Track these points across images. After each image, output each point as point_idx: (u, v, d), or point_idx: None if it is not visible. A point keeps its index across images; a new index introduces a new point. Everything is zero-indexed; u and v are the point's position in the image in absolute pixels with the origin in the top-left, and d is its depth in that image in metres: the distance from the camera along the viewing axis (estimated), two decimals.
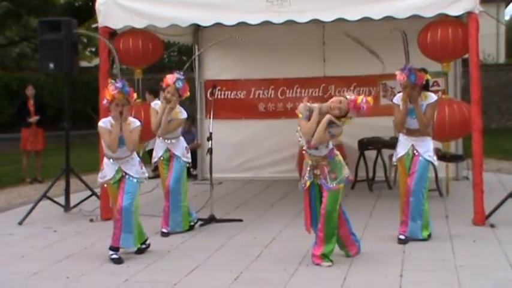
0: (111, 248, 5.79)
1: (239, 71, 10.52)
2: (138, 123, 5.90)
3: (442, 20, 7.13)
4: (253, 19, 7.15)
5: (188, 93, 6.75)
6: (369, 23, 7.55)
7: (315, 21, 7.18)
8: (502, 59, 28.84)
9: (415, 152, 6.15)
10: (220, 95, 10.41)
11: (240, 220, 7.30)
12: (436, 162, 6.32)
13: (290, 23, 7.24)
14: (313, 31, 9.46)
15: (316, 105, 5.36)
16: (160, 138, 6.84)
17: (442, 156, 7.84)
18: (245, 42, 7.32)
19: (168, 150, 6.80)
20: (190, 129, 10.69)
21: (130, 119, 5.88)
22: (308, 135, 5.36)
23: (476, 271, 5.20)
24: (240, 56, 10.42)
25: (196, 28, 9.94)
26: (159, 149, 6.87)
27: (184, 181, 6.86)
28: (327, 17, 7.03)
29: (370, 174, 9.34)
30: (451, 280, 4.97)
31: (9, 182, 11.46)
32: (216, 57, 10.67)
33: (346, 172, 5.49)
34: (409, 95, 6.10)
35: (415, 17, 6.87)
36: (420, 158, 6.11)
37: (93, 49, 22.04)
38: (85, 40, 20.95)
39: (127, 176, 5.82)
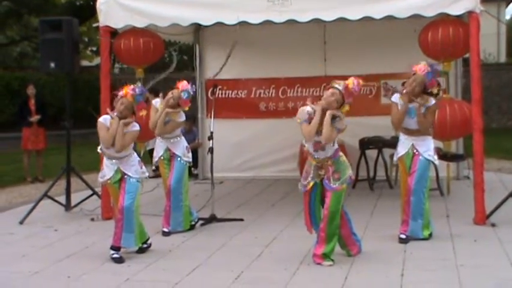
0: (112, 248, 5.79)
1: (240, 70, 10.52)
2: (137, 127, 5.88)
3: (443, 19, 7.13)
4: (255, 18, 7.15)
5: (187, 108, 6.77)
6: (369, 22, 7.54)
7: (316, 21, 7.17)
8: (502, 59, 28.83)
9: (415, 151, 6.15)
10: (221, 94, 10.41)
11: (241, 219, 7.30)
12: (436, 162, 6.32)
13: (291, 22, 7.24)
14: (314, 30, 9.46)
15: (318, 107, 5.35)
16: (160, 137, 6.84)
17: (443, 155, 7.84)
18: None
19: (168, 149, 6.80)
20: (191, 129, 10.69)
21: (130, 120, 5.87)
22: (310, 138, 5.35)
23: (477, 270, 5.20)
24: (241, 56, 10.39)
25: (197, 27, 9.94)
26: (159, 148, 6.87)
27: (186, 181, 6.86)
28: (328, 16, 7.03)
29: (371, 174, 9.34)
30: (452, 279, 4.97)
31: (10, 181, 11.46)
32: (217, 56, 10.65)
33: (349, 172, 5.49)
34: (413, 89, 6.05)
35: (416, 17, 6.86)
36: (420, 157, 6.11)
37: (94, 48, 22.06)
38: (86, 39, 20.98)
39: (127, 177, 5.83)
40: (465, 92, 9.28)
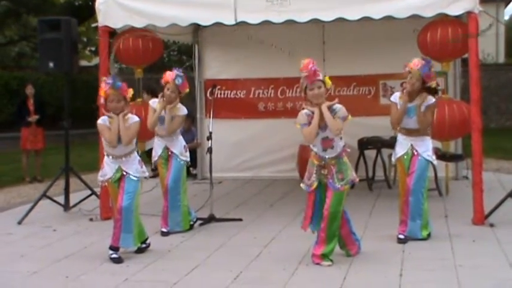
0: (111, 248, 5.79)
1: (239, 70, 10.52)
2: (136, 118, 5.89)
3: (442, 19, 7.14)
4: (253, 19, 7.15)
5: (187, 90, 6.75)
6: (368, 22, 7.54)
7: (315, 21, 7.17)
8: (501, 59, 28.87)
9: (414, 151, 6.15)
10: (220, 94, 10.41)
11: (240, 219, 7.30)
12: (435, 162, 6.32)
13: (290, 22, 7.24)
14: (313, 31, 9.46)
15: (315, 108, 5.33)
16: (158, 136, 6.83)
17: (441, 155, 7.84)
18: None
19: (166, 148, 6.79)
20: (190, 129, 10.69)
21: (129, 115, 5.87)
22: (311, 138, 5.35)
23: (475, 271, 5.20)
24: (240, 56, 10.42)
25: (196, 27, 9.94)
26: (157, 147, 6.86)
27: (184, 180, 6.85)
28: (327, 16, 7.03)
29: (370, 174, 9.34)
30: (450, 280, 4.97)
31: (9, 181, 11.46)
32: (216, 56, 10.68)
33: (352, 174, 5.49)
34: (412, 85, 6.05)
35: (415, 17, 6.87)
36: (419, 157, 6.11)
37: (93, 48, 22.03)
38: (85, 39, 20.96)
39: (127, 175, 5.82)
40: (464, 92, 9.29)
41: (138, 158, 6.01)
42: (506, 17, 36.27)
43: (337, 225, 5.46)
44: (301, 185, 5.59)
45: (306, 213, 5.59)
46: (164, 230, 6.73)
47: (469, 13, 6.75)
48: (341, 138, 5.42)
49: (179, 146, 6.83)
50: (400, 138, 6.29)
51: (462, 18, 7.14)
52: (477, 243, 6.05)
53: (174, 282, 5.08)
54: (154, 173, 8.25)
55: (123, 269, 5.51)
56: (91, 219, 7.54)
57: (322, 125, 5.31)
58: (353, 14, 6.95)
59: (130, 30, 7.68)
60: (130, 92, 5.90)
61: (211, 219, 7.18)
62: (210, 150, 7.23)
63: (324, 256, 5.45)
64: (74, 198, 8.22)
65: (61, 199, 8.16)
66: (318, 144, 5.41)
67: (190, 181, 9.53)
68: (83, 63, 21.28)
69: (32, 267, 5.58)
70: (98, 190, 7.80)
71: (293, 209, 7.55)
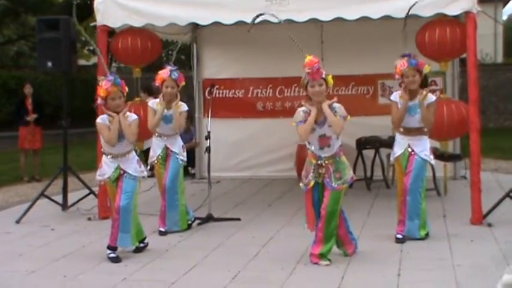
0: (109, 247, 5.78)
1: (237, 69, 10.52)
2: (135, 116, 5.90)
3: (440, 19, 7.14)
4: (252, 18, 7.14)
5: (184, 82, 6.75)
6: (367, 22, 7.54)
7: (313, 21, 7.17)
8: (499, 59, 28.91)
9: (411, 151, 6.14)
10: (219, 93, 10.41)
11: (238, 219, 7.30)
12: (432, 161, 6.32)
13: (288, 22, 7.23)
14: (311, 30, 9.46)
15: (313, 107, 5.33)
16: (158, 136, 6.83)
17: (440, 155, 7.85)
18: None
19: (165, 148, 6.79)
20: (189, 128, 10.67)
21: (128, 113, 5.87)
22: (306, 136, 5.34)
23: (473, 270, 5.20)
24: (239, 55, 10.42)
25: (195, 27, 9.93)
26: (156, 147, 6.85)
27: (181, 180, 6.85)
28: (326, 16, 7.03)
29: (368, 174, 9.35)
30: (448, 279, 4.97)
31: (7, 180, 11.45)
32: (215, 56, 10.67)
33: (350, 173, 5.49)
34: (411, 83, 6.05)
35: (413, 17, 6.87)
36: (416, 157, 6.10)
37: (92, 48, 22.00)
38: (83, 38, 20.92)
39: (125, 174, 5.82)
40: (462, 92, 9.28)
41: (137, 157, 6.00)
42: (505, 17, 36.32)
43: (334, 225, 5.45)
44: (300, 184, 5.59)
45: (307, 213, 5.57)
46: (162, 229, 6.73)
47: (467, 13, 6.76)
48: (337, 138, 5.42)
49: (178, 145, 6.83)
50: (398, 137, 6.28)
51: (460, 18, 7.14)
52: (475, 243, 6.05)
53: (172, 282, 5.08)
54: (152, 172, 8.25)
55: (121, 269, 5.51)
56: (89, 219, 7.54)
57: (320, 121, 5.29)
58: (351, 13, 6.95)
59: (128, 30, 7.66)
60: (126, 88, 5.91)
61: (209, 218, 7.18)
62: (208, 149, 7.23)
63: (322, 256, 5.44)
64: (72, 197, 8.22)
65: (59, 198, 8.15)
66: (314, 142, 5.40)
67: (189, 181, 9.54)
68: (82, 62, 21.27)
69: (30, 267, 5.58)
70: (96, 189, 7.80)
71: (291, 208, 7.56)
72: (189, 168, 10.32)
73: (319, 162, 5.40)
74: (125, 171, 5.81)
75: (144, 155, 8.14)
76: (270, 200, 8.59)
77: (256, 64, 10.32)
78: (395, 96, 6.22)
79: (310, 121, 5.29)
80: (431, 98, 6.15)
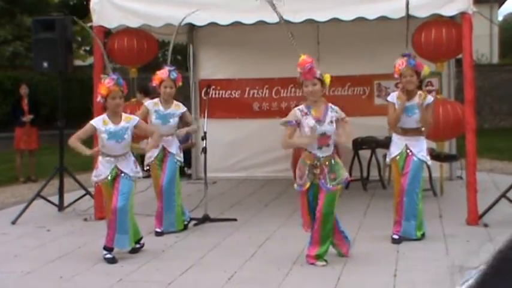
0: (105, 248, 5.78)
1: (234, 70, 10.52)
2: (137, 118, 5.98)
3: (436, 20, 7.15)
4: (248, 19, 7.16)
5: (181, 82, 6.80)
6: (363, 22, 7.55)
7: (310, 21, 7.17)
8: (495, 60, 28.92)
9: (408, 151, 6.14)
10: (215, 94, 10.40)
11: (234, 220, 7.30)
12: (429, 162, 6.33)
13: (285, 22, 7.22)
14: (307, 31, 9.45)
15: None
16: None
17: (436, 156, 7.85)
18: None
19: (163, 149, 6.78)
20: None
21: (127, 114, 5.88)
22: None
23: (470, 271, 5.20)
24: (235, 56, 10.41)
25: (191, 27, 9.93)
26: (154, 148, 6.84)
27: (177, 181, 6.85)
28: (322, 17, 7.04)
29: (365, 174, 9.35)
30: (444, 280, 4.97)
31: (3, 181, 11.42)
32: (211, 56, 10.67)
33: (345, 174, 5.48)
34: (408, 83, 6.05)
35: (409, 17, 6.87)
36: (414, 157, 6.10)
37: (88, 48, 21.97)
38: (79, 39, 20.90)
39: (122, 175, 5.81)
40: (458, 93, 9.31)
41: (133, 158, 6.00)
42: (500, 18, 36.38)
43: (330, 226, 5.44)
44: (295, 185, 5.56)
45: (302, 215, 5.55)
46: (158, 230, 6.72)
47: (463, 14, 6.77)
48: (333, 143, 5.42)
49: (175, 146, 6.83)
50: (395, 138, 6.28)
51: (456, 19, 7.16)
52: (471, 244, 6.06)
53: (168, 283, 5.08)
54: (148, 173, 8.23)
55: (117, 269, 5.50)
56: (85, 219, 7.53)
57: (321, 119, 5.28)
58: (348, 14, 6.96)
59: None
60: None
61: (205, 219, 7.18)
62: (204, 150, 7.23)
63: (318, 256, 5.44)
64: (68, 198, 8.20)
65: (55, 199, 8.14)
66: (315, 143, 5.36)
67: (185, 181, 9.53)
68: (78, 62, 21.22)
69: (26, 268, 5.57)
70: (92, 190, 7.78)
71: (288, 209, 7.56)
72: (185, 168, 10.31)
73: (314, 162, 5.39)
74: (122, 172, 5.81)
75: (140, 156, 8.11)
76: (267, 200, 8.59)
77: (252, 65, 10.32)
78: (393, 97, 6.22)
79: (300, 142, 5.32)
80: (429, 99, 6.16)
